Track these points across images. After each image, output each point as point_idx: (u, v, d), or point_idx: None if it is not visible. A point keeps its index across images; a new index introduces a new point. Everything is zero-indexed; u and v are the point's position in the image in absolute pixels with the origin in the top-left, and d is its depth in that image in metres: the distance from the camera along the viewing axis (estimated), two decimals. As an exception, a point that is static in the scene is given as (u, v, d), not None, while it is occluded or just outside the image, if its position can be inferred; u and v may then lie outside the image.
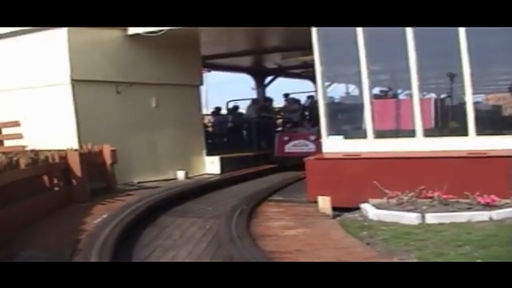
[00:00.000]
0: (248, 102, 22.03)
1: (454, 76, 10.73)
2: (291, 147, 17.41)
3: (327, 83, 11.94)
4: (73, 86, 12.91)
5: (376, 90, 12.32)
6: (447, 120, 11.54)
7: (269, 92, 24.39)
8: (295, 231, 8.52)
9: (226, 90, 27.32)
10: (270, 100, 22.79)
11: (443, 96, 12.10)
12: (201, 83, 17.35)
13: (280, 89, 27.09)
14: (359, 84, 11.27)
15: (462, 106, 10.38)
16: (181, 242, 8.29)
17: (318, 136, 15.85)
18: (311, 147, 16.72)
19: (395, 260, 6.47)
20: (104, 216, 9.36)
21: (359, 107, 11.18)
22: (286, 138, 17.65)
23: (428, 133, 10.51)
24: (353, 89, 12.94)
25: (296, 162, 15.30)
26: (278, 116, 21.47)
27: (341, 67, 12.60)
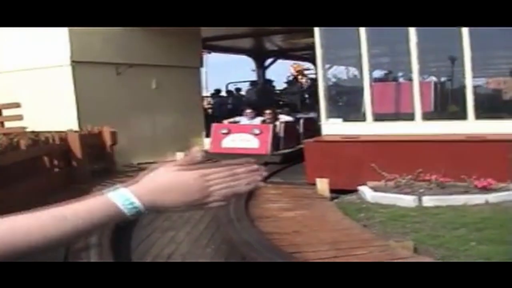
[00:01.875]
0: (247, 84, 22.02)
1: (455, 60, 10.74)
2: (229, 142, 14.00)
3: (327, 66, 11.96)
4: (73, 68, 12.91)
5: (377, 73, 12.36)
6: (447, 103, 11.58)
7: (271, 74, 24.35)
8: (293, 213, 8.60)
9: (226, 72, 27.20)
10: (270, 82, 22.75)
11: (443, 79, 12.12)
12: (201, 65, 17.36)
13: (282, 71, 27.12)
14: (359, 67, 11.30)
15: (462, 89, 10.39)
16: (180, 223, 8.34)
17: (264, 129, 13.76)
18: (255, 143, 13.68)
19: (391, 242, 6.54)
20: (104, 197, 9.41)
21: (359, 90, 11.20)
22: (224, 130, 14.23)
23: (427, 116, 10.53)
24: (353, 72, 12.97)
25: None
26: (279, 99, 21.23)
27: (341, 50, 12.63)
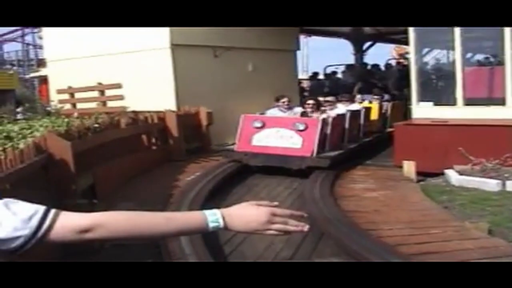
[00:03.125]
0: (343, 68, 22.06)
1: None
2: (262, 139, 10.85)
3: (420, 49, 11.98)
4: (172, 50, 13.52)
5: (470, 57, 12.22)
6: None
7: (369, 58, 24.18)
8: (376, 193, 8.80)
9: (327, 55, 27.32)
10: (377, 66, 22.51)
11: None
12: (298, 48, 17.61)
13: (381, 55, 27.00)
14: (452, 50, 11.26)
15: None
16: (267, 200, 8.65)
17: (311, 124, 10.68)
18: (297, 141, 10.49)
19: (467, 223, 6.67)
20: (197, 174, 9.93)
21: (451, 74, 11.14)
22: (257, 124, 11.04)
23: (519, 101, 10.39)
24: (446, 56, 12.88)
25: (268, 164, 10.38)
26: (375, 82, 20.81)
27: (435, 33, 12.54)
